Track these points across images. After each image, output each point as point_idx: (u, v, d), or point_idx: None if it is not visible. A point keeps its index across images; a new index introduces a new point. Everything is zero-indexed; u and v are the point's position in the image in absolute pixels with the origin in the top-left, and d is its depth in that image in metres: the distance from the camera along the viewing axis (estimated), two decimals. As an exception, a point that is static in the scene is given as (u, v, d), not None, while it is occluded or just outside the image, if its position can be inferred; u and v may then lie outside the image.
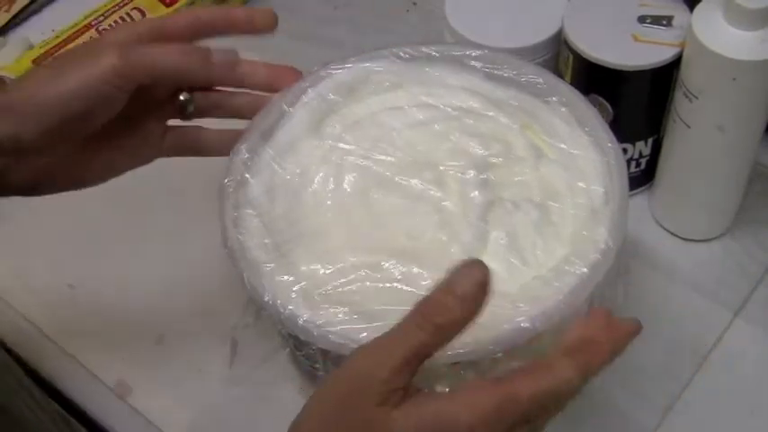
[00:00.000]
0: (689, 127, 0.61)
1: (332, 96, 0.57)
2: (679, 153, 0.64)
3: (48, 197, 0.74)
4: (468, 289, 0.41)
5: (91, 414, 0.63)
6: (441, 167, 0.53)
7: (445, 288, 0.42)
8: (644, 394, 0.61)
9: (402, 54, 0.58)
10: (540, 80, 0.56)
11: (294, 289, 0.50)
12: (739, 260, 0.68)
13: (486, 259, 0.49)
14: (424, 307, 0.42)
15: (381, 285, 0.50)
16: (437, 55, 0.58)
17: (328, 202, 0.53)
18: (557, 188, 0.53)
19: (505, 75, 0.57)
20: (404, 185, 0.53)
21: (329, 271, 0.51)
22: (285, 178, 0.55)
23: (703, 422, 0.60)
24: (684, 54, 0.60)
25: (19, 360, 0.67)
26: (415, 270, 0.50)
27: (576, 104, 0.55)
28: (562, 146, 0.54)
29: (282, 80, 0.57)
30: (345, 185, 0.54)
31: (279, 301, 0.49)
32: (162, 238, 0.71)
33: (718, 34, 0.56)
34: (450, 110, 0.56)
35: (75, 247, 0.72)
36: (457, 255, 0.50)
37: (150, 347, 0.66)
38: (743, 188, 0.66)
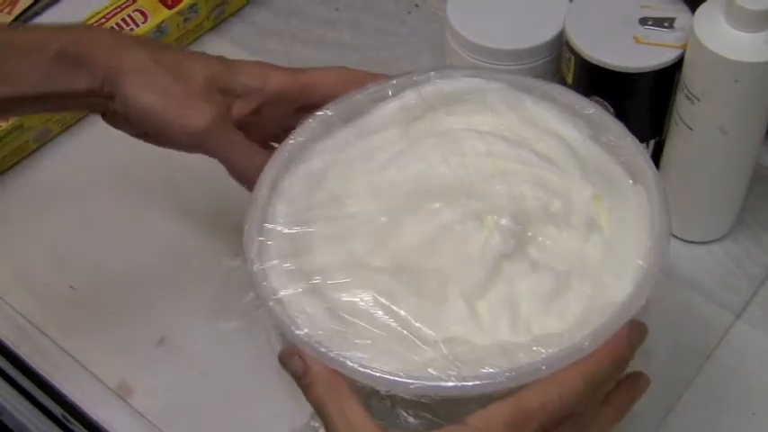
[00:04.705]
0: (691, 129, 0.61)
1: (426, 102, 0.56)
2: (681, 155, 0.64)
3: (48, 199, 0.75)
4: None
5: (92, 415, 0.63)
6: (486, 204, 0.52)
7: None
8: (645, 395, 0.61)
9: (517, 83, 0.56)
10: (633, 163, 0.53)
11: (286, 269, 0.50)
12: (741, 262, 0.68)
13: (480, 306, 0.49)
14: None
15: (365, 297, 0.49)
16: (553, 94, 0.56)
17: (364, 207, 0.53)
18: (590, 268, 0.50)
19: (607, 142, 0.54)
20: (440, 209, 0.52)
21: (330, 268, 0.51)
22: (331, 174, 0.55)
23: (705, 424, 0.60)
24: (686, 56, 0.60)
25: (19, 361, 0.67)
26: (407, 292, 0.49)
27: (657, 206, 0.51)
28: (621, 232, 0.51)
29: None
30: (385, 195, 0.54)
31: (267, 282, 0.50)
32: (163, 239, 0.71)
33: (720, 36, 0.56)
34: (531, 154, 0.54)
35: (76, 247, 0.72)
36: (453, 295, 0.49)
37: (152, 349, 0.66)
38: (744, 190, 0.66)
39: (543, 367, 0.45)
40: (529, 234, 0.51)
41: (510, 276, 0.50)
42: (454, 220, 0.51)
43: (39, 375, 0.66)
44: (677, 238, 0.68)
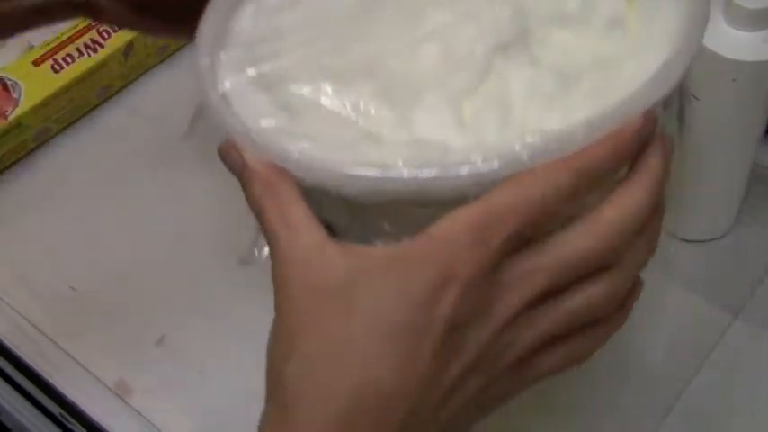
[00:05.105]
0: (689, 128, 0.61)
1: None
2: (679, 154, 0.64)
3: (48, 199, 0.75)
4: None
5: (91, 415, 0.63)
6: (487, 5, 0.44)
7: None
8: (644, 395, 0.61)
9: None
10: None
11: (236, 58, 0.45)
12: (739, 261, 0.68)
13: (465, 105, 0.42)
14: None
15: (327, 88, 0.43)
16: None
17: (344, 5, 0.47)
18: (605, 65, 0.43)
19: None
20: (430, 12, 0.45)
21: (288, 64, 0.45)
22: None
23: (703, 424, 0.60)
24: (684, 55, 0.60)
25: (19, 361, 0.67)
26: (374, 90, 0.43)
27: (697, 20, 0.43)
28: (649, 29, 0.44)
29: None
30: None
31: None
32: (163, 238, 0.71)
33: (718, 35, 0.56)
34: None
35: (75, 247, 0.72)
36: (433, 96, 0.42)
37: (151, 348, 0.66)
38: (743, 190, 0.66)
39: (525, 158, 0.37)
40: (534, 30, 0.44)
41: (504, 71, 0.42)
42: (446, 22, 0.44)
43: (38, 375, 0.66)
44: (676, 237, 0.69)
